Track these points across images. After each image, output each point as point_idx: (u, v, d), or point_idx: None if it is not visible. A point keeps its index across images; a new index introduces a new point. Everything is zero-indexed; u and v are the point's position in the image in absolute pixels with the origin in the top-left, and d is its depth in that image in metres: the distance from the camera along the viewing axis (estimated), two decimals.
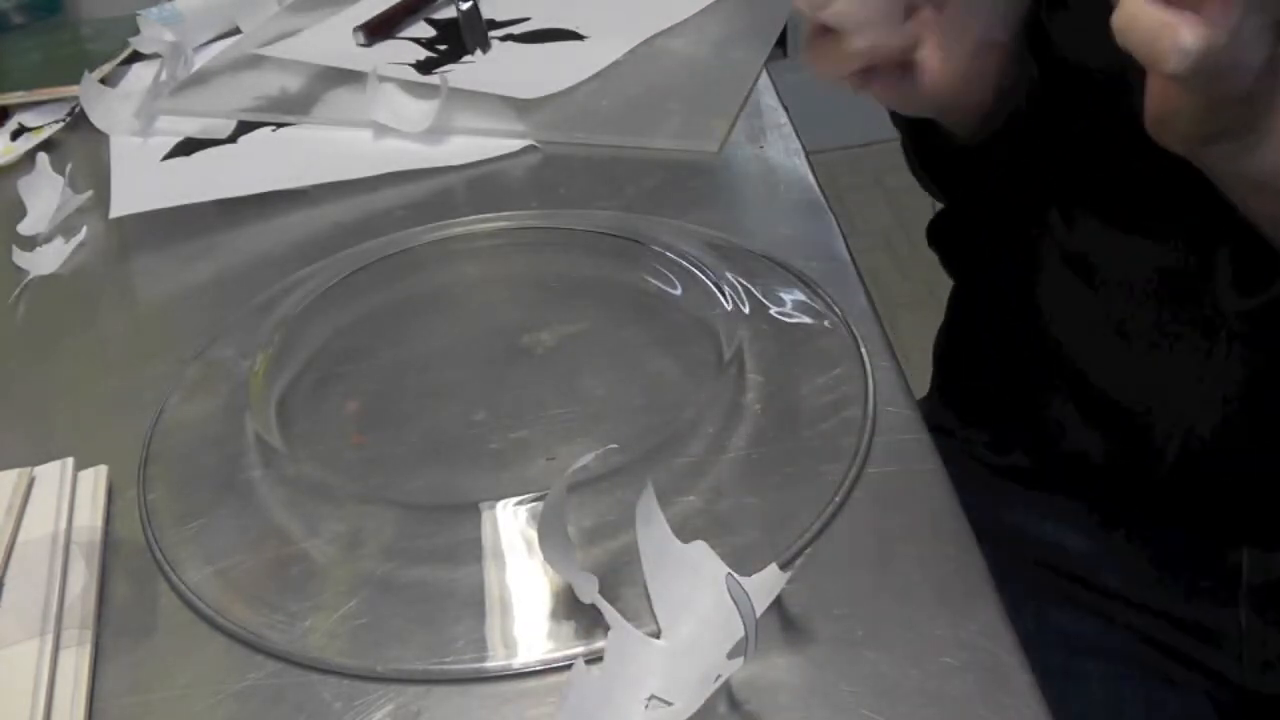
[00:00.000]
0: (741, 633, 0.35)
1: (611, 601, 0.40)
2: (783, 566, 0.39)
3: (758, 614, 0.35)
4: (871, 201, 2.39)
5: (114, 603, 0.43)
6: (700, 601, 0.38)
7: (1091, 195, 0.53)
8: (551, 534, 0.38)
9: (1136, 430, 0.54)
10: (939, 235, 0.66)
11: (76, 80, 0.79)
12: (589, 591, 0.39)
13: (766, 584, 0.37)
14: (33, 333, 0.61)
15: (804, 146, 0.67)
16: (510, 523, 0.43)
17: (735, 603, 0.35)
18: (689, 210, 0.61)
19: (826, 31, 0.48)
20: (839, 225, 0.59)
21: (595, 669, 0.36)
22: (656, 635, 0.38)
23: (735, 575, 0.36)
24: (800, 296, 0.54)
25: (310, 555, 0.44)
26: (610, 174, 0.66)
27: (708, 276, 0.54)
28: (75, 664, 0.40)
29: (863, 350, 0.50)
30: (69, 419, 0.54)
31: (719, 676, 0.36)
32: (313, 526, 0.45)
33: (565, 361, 0.52)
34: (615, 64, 0.76)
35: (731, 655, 0.36)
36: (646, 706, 0.36)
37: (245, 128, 0.75)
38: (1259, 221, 0.43)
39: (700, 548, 0.39)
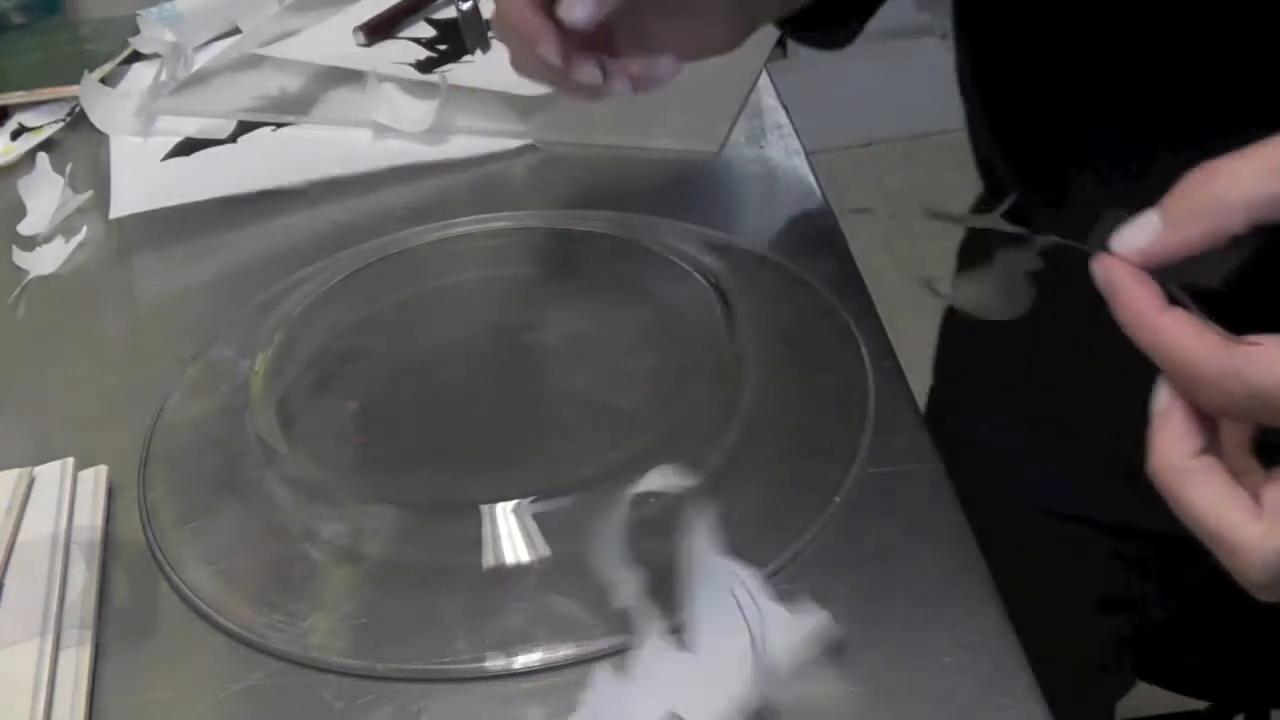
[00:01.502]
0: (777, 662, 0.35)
1: (611, 601, 0.40)
2: (783, 566, 0.39)
3: (793, 648, 0.35)
4: (871, 201, 2.39)
5: (114, 603, 0.43)
6: (738, 625, 0.37)
7: None
8: (608, 548, 0.37)
9: None
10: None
11: (76, 80, 0.79)
12: (629, 594, 0.38)
13: (805, 623, 0.37)
14: (33, 333, 0.61)
15: (804, 146, 0.67)
16: (510, 523, 0.43)
17: (748, 625, 0.34)
18: (689, 210, 0.61)
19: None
20: (839, 225, 0.59)
21: (617, 675, 0.36)
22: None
23: (772, 605, 0.35)
24: (800, 297, 0.54)
25: (310, 555, 0.44)
26: (610, 174, 0.66)
27: (708, 277, 0.54)
28: (75, 664, 0.40)
29: (863, 350, 0.50)
30: (69, 419, 0.54)
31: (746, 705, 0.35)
32: (313, 526, 0.45)
33: (565, 361, 0.52)
34: None
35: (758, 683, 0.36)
36: None
37: (245, 128, 0.75)
38: None
39: (743, 571, 0.38)
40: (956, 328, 0.68)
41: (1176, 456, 0.31)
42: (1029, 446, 0.62)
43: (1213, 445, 0.32)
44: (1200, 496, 0.31)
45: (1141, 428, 0.55)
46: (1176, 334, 0.31)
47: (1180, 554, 0.62)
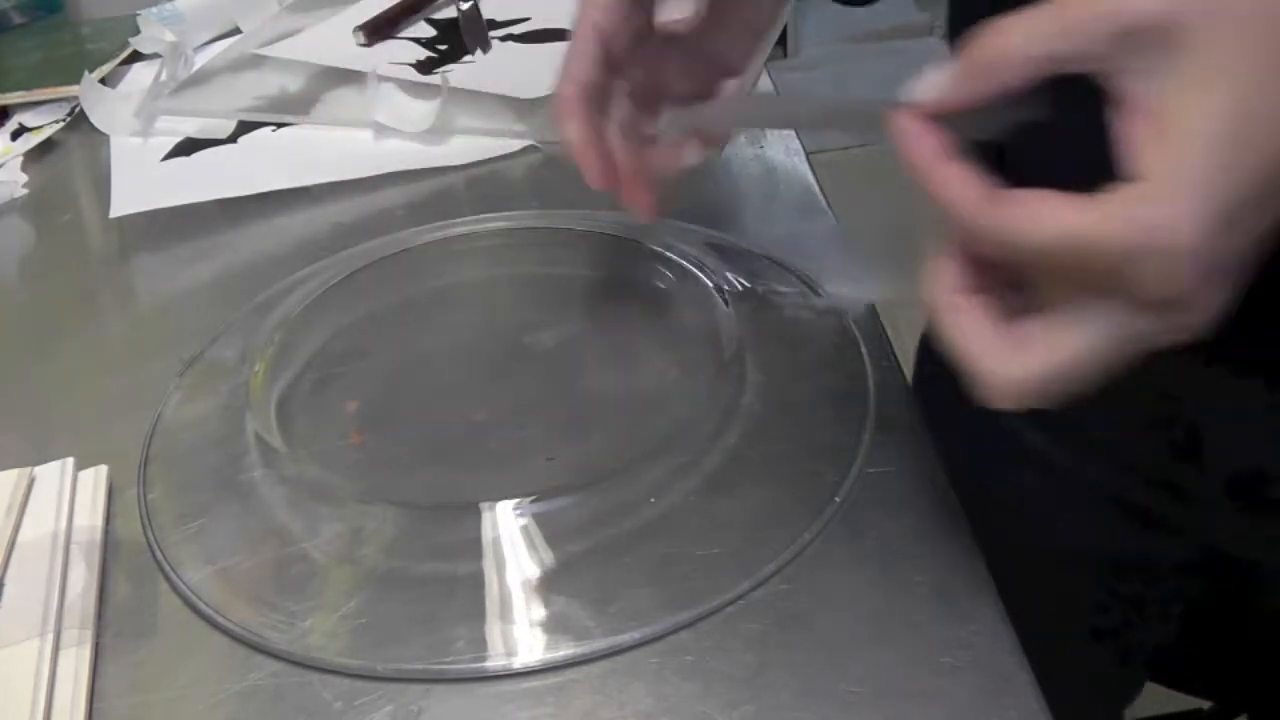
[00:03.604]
0: None
1: (611, 602, 0.40)
2: (783, 566, 0.39)
3: None
4: (871, 201, 2.39)
5: (114, 603, 0.43)
6: None
7: None
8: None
9: None
10: None
11: (76, 80, 0.79)
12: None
13: None
14: (33, 332, 0.61)
15: (804, 146, 0.67)
16: (510, 522, 0.43)
17: None
18: (689, 210, 0.61)
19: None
20: (839, 225, 0.59)
21: None
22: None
23: None
24: (800, 296, 0.54)
25: (310, 555, 0.44)
26: None
27: (708, 276, 0.54)
28: (75, 664, 0.40)
29: (863, 350, 0.50)
30: (69, 419, 0.54)
31: None
32: (313, 526, 0.45)
33: (565, 361, 0.52)
34: None
35: None
36: None
37: (245, 128, 0.75)
38: None
39: None
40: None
41: (944, 292, 0.34)
42: (1024, 474, 0.60)
43: (986, 284, 0.34)
44: (959, 329, 0.33)
45: (1148, 464, 0.55)
46: (955, 182, 0.32)
47: (1175, 589, 0.62)
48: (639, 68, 0.48)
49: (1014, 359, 0.32)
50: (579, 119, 0.46)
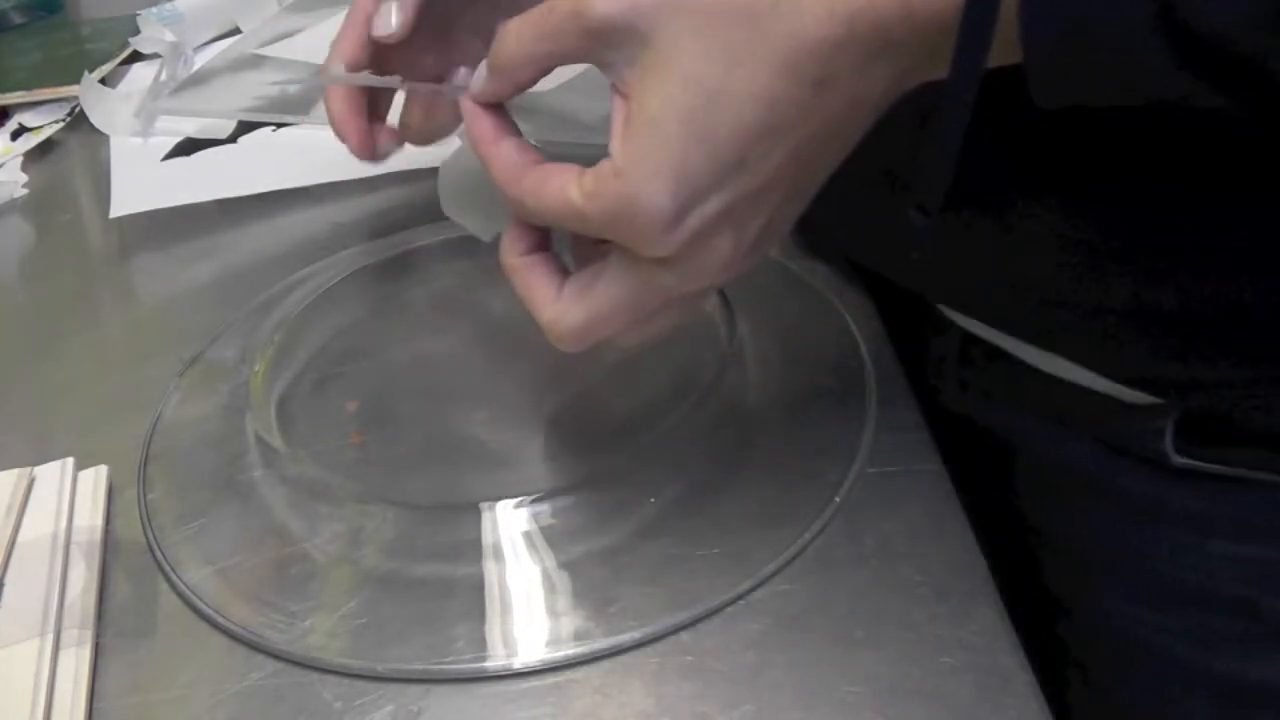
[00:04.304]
0: None
1: (611, 602, 0.40)
2: (783, 567, 0.38)
3: None
4: None
5: (114, 603, 0.43)
6: None
7: None
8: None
9: None
10: None
11: (76, 80, 0.79)
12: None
13: None
14: (33, 333, 0.61)
15: None
16: (510, 523, 0.43)
17: None
18: None
19: None
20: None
21: None
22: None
23: None
24: (800, 297, 0.54)
25: (310, 555, 0.44)
26: None
27: None
28: (75, 664, 0.40)
29: (863, 350, 0.50)
30: (69, 419, 0.54)
31: None
32: (313, 526, 0.45)
33: (565, 361, 0.52)
34: None
35: None
36: None
37: (245, 128, 0.75)
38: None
39: None
40: None
41: (509, 256, 0.38)
42: None
43: (544, 244, 0.38)
44: (524, 286, 0.38)
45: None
46: (499, 159, 0.37)
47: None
48: (429, 53, 0.48)
49: (567, 310, 0.36)
50: (340, 95, 0.48)
